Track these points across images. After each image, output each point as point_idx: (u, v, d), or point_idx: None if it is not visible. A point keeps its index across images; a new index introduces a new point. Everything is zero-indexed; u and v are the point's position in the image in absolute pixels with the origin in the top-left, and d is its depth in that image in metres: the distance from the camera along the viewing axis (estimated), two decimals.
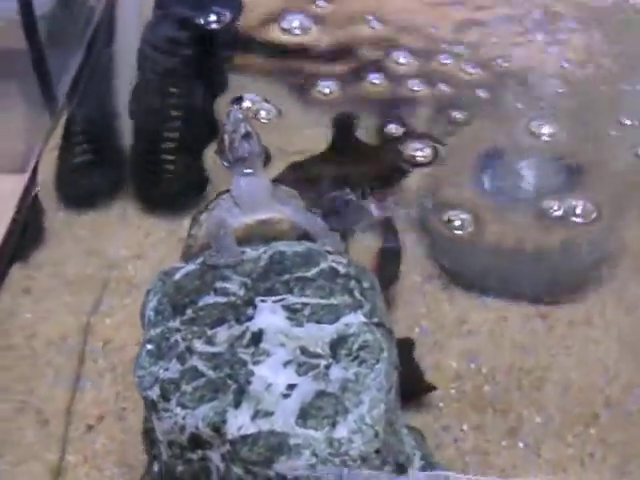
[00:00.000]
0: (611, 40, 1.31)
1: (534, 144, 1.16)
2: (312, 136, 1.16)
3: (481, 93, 1.22)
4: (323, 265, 0.73)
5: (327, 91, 1.22)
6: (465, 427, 0.86)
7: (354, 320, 0.69)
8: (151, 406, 0.65)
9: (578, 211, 1.07)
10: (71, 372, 0.91)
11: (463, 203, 1.09)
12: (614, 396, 0.88)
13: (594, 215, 1.07)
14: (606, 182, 1.12)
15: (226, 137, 0.75)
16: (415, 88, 1.23)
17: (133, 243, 1.06)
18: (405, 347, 0.92)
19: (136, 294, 0.98)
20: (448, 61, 1.26)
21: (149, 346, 0.68)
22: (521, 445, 0.84)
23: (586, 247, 1.05)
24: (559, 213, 1.07)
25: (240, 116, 0.75)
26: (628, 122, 1.17)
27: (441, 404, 0.88)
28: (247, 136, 0.74)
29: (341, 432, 0.61)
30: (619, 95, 1.23)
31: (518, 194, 1.10)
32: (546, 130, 1.17)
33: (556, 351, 0.94)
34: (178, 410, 0.63)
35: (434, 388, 0.89)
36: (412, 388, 0.88)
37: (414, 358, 0.92)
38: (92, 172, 1.09)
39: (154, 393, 0.65)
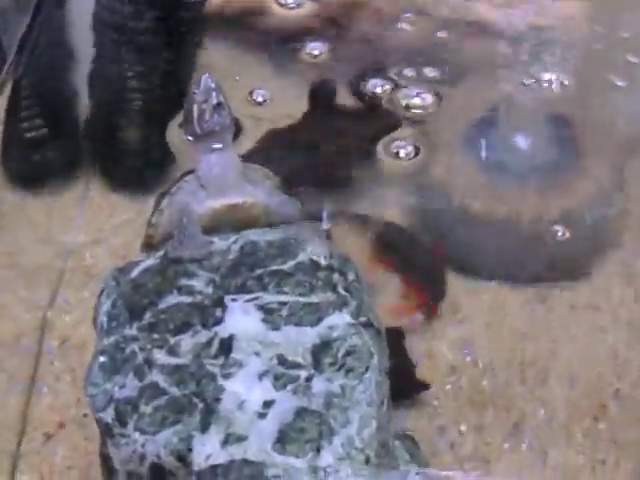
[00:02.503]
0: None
1: (530, 107, 1.06)
2: (289, 101, 1.06)
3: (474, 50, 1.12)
4: (302, 257, 0.64)
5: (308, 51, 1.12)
6: (463, 428, 0.78)
7: (339, 321, 0.60)
8: (106, 430, 0.56)
9: (576, 180, 0.99)
10: (25, 376, 0.81)
11: (453, 176, 1.00)
12: (624, 388, 0.81)
13: (594, 184, 0.99)
14: (606, 147, 1.03)
15: (195, 107, 0.65)
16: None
17: (93, 227, 0.96)
18: (394, 338, 0.83)
19: (96, 286, 0.88)
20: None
21: (102, 358, 0.59)
22: (524, 447, 0.76)
23: (588, 220, 0.96)
24: (557, 185, 0.98)
25: (212, 84, 0.65)
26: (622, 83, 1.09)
27: (435, 402, 0.80)
28: (219, 107, 0.65)
29: (327, 459, 0.52)
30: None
31: (513, 165, 1.01)
32: (545, 86, 1.07)
33: (559, 339, 0.86)
34: (136, 436, 0.54)
35: (426, 387, 0.81)
36: (403, 385, 0.80)
37: (405, 350, 0.83)
38: (45, 148, 0.98)
39: (108, 415, 0.56)
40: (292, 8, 1.17)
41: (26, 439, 0.77)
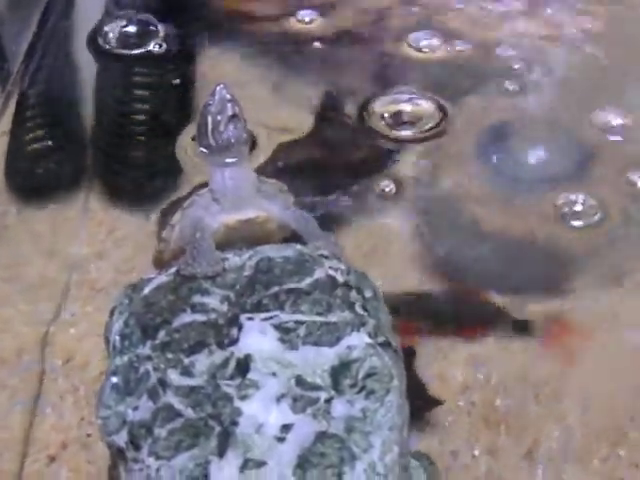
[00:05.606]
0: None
1: (545, 120, 1.05)
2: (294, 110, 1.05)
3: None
4: (319, 273, 0.62)
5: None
6: (476, 451, 0.76)
7: (357, 341, 0.58)
8: (118, 455, 0.54)
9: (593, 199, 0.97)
10: (27, 395, 0.79)
11: (466, 189, 0.98)
12: None
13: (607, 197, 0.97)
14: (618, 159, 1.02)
15: (209, 119, 0.63)
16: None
17: (96, 240, 0.94)
18: (405, 357, 0.82)
19: (100, 300, 0.87)
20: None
21: (114, 379, 0.57)
22: (540, 469, 0.75)
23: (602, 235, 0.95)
24: (574, 199, 0.97)
25: (227, 95, 0.63)
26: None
27: (448, 422, 0.78)
28: (234, 119, 0.63)
29: None
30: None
31: (527, 178, 1.00)
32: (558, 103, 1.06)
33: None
34: (151, 461, 0.52)
35: (440, 402, 0.79)
36: (414, 404, 0.78)
37: (415, 370, 0.82)
38: (49, 160, 0.97)
39: (121, 439, 0.54)
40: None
41: (29, 461, 0.75)
